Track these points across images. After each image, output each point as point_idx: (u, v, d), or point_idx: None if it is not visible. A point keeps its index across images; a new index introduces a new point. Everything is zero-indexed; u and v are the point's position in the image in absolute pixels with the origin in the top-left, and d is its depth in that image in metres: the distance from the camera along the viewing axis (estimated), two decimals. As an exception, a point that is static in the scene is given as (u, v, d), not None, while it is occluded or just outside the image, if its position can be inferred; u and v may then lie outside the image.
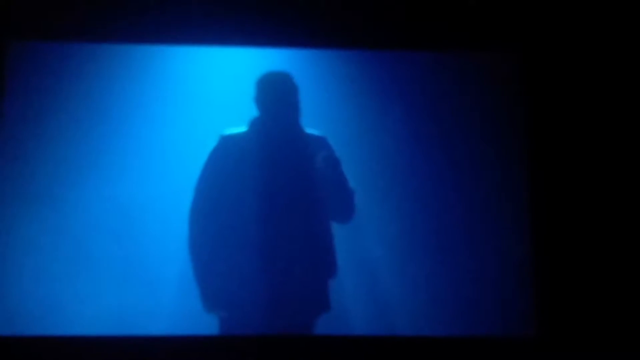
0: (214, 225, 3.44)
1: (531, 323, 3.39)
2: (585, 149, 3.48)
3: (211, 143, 3.49)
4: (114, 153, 3.61)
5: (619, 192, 3.44)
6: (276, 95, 3.52)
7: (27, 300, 3.43)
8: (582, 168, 3.47)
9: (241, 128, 3.51)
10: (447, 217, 3.57)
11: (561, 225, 3.44)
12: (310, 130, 3.52)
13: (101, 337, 3.35)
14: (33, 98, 3.59)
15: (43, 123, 3.58)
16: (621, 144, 3.48)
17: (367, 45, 3.64)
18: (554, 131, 3.51)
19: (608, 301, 3.36)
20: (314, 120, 3.53)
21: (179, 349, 3.34)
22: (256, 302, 3.39)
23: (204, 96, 3.67)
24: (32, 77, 3.60)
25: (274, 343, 3.37)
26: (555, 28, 3.56)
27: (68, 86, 3.61)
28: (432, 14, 3.60)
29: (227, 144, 3.50)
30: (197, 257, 3.43)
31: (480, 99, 3.62)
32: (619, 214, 3.43)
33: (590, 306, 3.37)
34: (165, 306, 3.49)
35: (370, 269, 3.57)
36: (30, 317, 3.41)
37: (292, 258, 3.42)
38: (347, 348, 3.36)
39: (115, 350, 3.31)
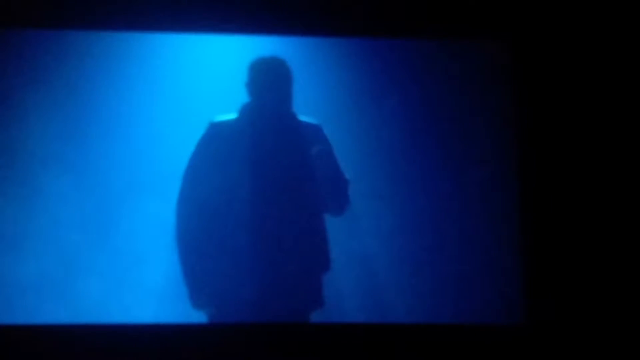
0: (201, 217, 3.37)
1: (520, 311, 3.41)
2: (576, 139, 3.50)
3: (201, 132, 3.45)
4: (101, 143, 3.55)
5: (608, 182, 3.47)
6: (268, 81, 3.45)
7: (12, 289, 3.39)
8: (572, 157, 3.49)
9: (231, 115, 3.47)
10: (437, 207, 3.57)
11: (550, 214, 3.46)
12: (303, 118, 3.49)
13: (88, 325, 3.32)
14: (14, 87, 3.52)
15: (26, 113, 3.51)
16: (612, 133, 3.50)
17: (358, 33, 3.61)
18: (544, 120, 3.52)
19: (597, 290, 3.40)
20: (306, 109, 3.50)
21: (166, 337, 3.30)
22: (245, 299, 3.34)
23: (195, 85, 3.62)
24: (14, 65, 3.52)
25: (264, 331, 3.35)
26: (546, 16, 3.56)
27: (50, 75, 3.53)
28: (422, 1, 3.59)
29: (216, 131, 3.43)
30: (183, 250, 3.36)
31: (471, 87, 3.62)
32: (607, 203, 3.45)
33: (579, 295, 3.40)
34: (155, 298, 3.46)
35: (361, 259, 3.57)
36: (17, 306, 3.37)
37: (283, 251, 3.36)
38: (338, 335, 3.35)
39: (100, 338, 3.27)
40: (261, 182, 3.38)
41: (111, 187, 3.51)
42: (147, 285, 3.44)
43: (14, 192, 3.45)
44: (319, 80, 3.59)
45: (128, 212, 3.51)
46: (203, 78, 3.61)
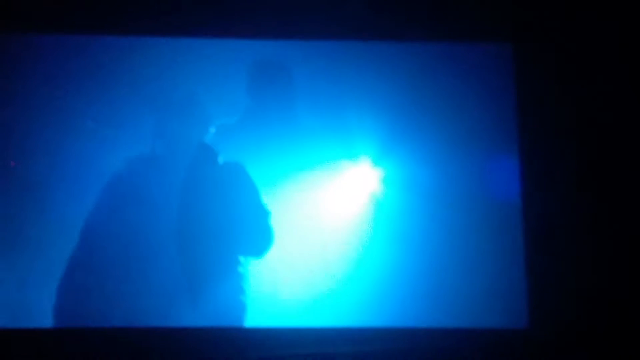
0: (200, 220, 3.39)
1: (524, 316, 3.40)
2: (578, 142, 3.51)
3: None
4: (101, 147, 3.54)
5: (611, 186, 3.47)
6: (266, 86, 3.48)
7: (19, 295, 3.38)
8: (575, 162, 3.49)
9: (234, 118, 3.48)
10: (440, 212, 3.56)
11: (553, 219, 3.46)
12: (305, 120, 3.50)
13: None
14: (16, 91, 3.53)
15: (28, 118, 3.52)
16: (611, 136, 3.50)
17: (358, 37, 3.62)
18: (544, 124, 3.53)
19: (600, 294, 3.39)
20: (310, 111, 3.53)
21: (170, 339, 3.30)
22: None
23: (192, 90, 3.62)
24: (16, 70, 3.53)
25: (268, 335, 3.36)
26: (547, 19, 3.58)
27: (44, 81, 3.55)
28: (423, 5, 3.60)
29: (221, 132, 3.45)
30: (182, 255, 3.37)
31: (471, 90, 3.61)
32: (610, 208, 3.45)
33: (582, 299, 3.39)
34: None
35: (364, 264, 3.56)
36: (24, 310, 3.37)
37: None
38: (341, 338, 3.35)
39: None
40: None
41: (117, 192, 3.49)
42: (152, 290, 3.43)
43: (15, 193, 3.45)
44: (322, 83, 3.60)
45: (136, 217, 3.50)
46: (203, 84, 3.60)
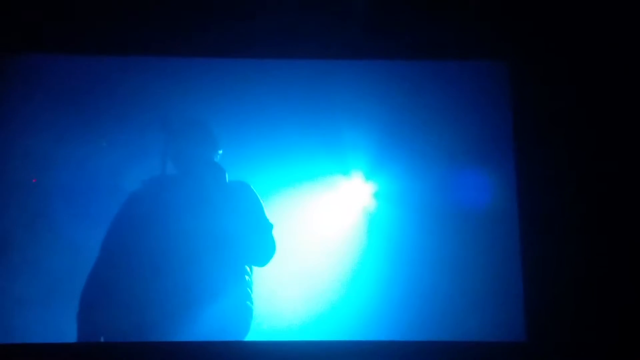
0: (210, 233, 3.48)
1: (522, 329, 3.39)
2: (573, 157, 3.53)
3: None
4: (113, 165, 3.68)
5: (607, 200, 3.47)
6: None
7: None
8: (570, 175, 3.51)
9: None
10: (435, 226, 3.60)
11: (550, 231, 3.46)
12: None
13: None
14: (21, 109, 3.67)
15: (46, 138, 3.68)
16: (607, 150, 3.52)
17: (355, 56, 3.69)
18: (539, 139, 3.55)
19: (598, 307, 3.37)
20: (314, 131, 3.63)
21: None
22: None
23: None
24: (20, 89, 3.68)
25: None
26: (542, 37, 3.63)
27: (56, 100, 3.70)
28: (419, 23, 3.66)
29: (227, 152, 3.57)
30: (193, 266, 3.45)
31: (466, 107, 3.69)
32: (607, 220, 3.45)
33: (580, 313, 3.38)
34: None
35: (363, 277, 3.60)
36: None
37: None
38: (335, 353, 3.34)
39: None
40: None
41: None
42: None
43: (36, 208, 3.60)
44: (326, 101, 3.69)
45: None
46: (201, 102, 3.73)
